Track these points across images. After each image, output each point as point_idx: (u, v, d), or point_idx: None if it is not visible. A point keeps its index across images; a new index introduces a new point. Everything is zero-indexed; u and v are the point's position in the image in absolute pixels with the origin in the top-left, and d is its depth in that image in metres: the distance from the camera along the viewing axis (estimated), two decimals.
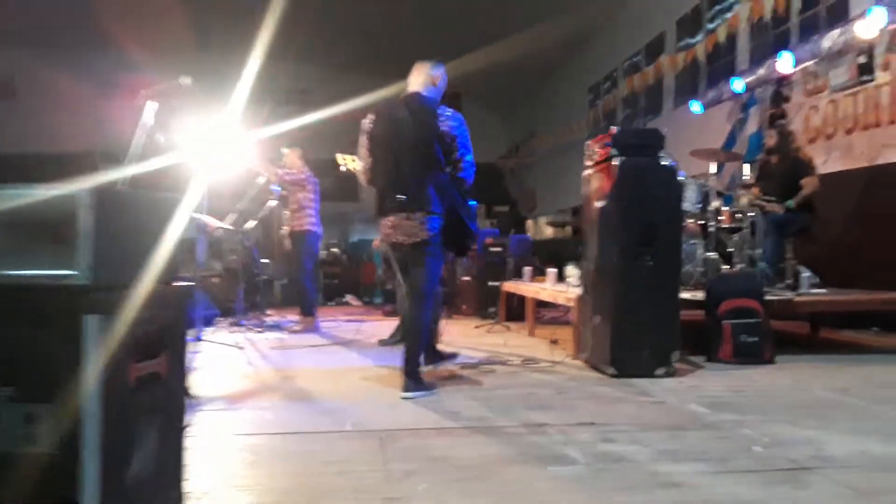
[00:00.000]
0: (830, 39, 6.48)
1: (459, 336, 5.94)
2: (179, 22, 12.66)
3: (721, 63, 8.99)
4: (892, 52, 5.88)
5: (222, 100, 7.01)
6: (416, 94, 3.59)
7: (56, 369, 1.48)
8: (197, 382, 3.75)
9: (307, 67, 15.30)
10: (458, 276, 8.35)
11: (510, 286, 6.81)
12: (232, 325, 6.80)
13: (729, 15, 8.62)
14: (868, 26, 5.91)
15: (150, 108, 3.39)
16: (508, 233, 9.62)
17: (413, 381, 3.43)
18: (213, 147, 5.77)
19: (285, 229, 6.80)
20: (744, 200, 5.56)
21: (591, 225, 4.22)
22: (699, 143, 6.57)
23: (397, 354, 3.68)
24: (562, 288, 5.45)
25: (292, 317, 7.23)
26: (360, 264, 12.06)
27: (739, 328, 4.36)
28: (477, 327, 6.68)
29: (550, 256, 8.10)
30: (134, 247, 1.65)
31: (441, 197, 3.47)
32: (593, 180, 4.27)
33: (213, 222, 6.24)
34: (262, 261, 8.14)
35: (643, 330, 3.85)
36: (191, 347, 5.13)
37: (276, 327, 6.78)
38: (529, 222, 17.09)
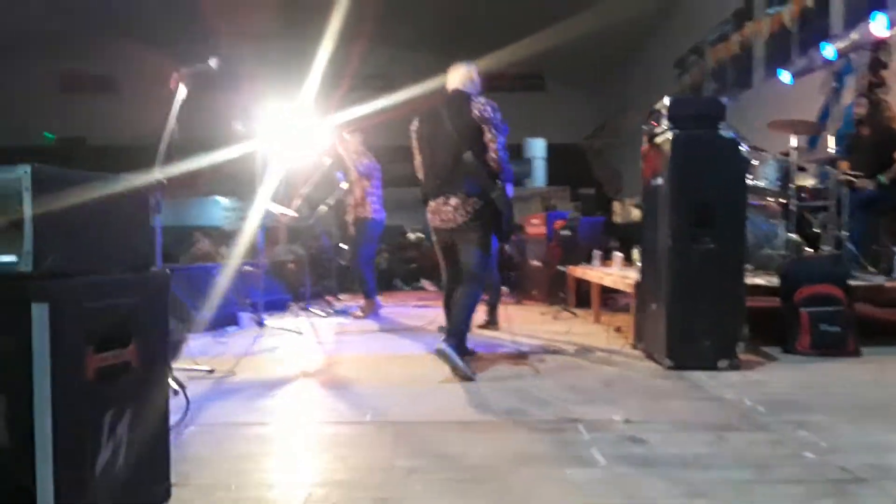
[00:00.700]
0: None
1: (523, 322, 5.73)
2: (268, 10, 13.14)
3: (813, 27, 8.23)
4: None
5: (300, 87, 7.10)
6: (457, 90, 3.87)
7: (3, 360, 1.45)
8: (242, 368, 3.78)
9: (382, 50, 15.36)
10: (528, 261, 8.12)
11: (577, 271, 6.52)
12: (301, 310, 6.88)
13: None
14: None
15: (182, 92, 3.42)
16: (593, 215, 9.27)
17: (457, 341, 3.49)
18: (290, 134, 5.82)
19: (350, 216, 6.79)
20: (830, 176, 5.06)
21: (648, 205, 3.93)
22: (794, 117, 5.99)
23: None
24: (627, 273, 5.14)
25: (361, 302, 7.24)
26: None
27: (818, 317, 3.96)
28: (543, 314, 6.44)
29: (635, 240, 7.72)
30: (87, 232, 1.58)
31: (475, 182, 3.60)
32: (649, 156, 3.96)
33: (279, 209, 6.29)
34: (341, 246, 8.18)
35: (703, 318, 3.54)
36: (253, 333, 5.32)
37: (343, 312, 6.80)
38: (616, 204, 16.48)
